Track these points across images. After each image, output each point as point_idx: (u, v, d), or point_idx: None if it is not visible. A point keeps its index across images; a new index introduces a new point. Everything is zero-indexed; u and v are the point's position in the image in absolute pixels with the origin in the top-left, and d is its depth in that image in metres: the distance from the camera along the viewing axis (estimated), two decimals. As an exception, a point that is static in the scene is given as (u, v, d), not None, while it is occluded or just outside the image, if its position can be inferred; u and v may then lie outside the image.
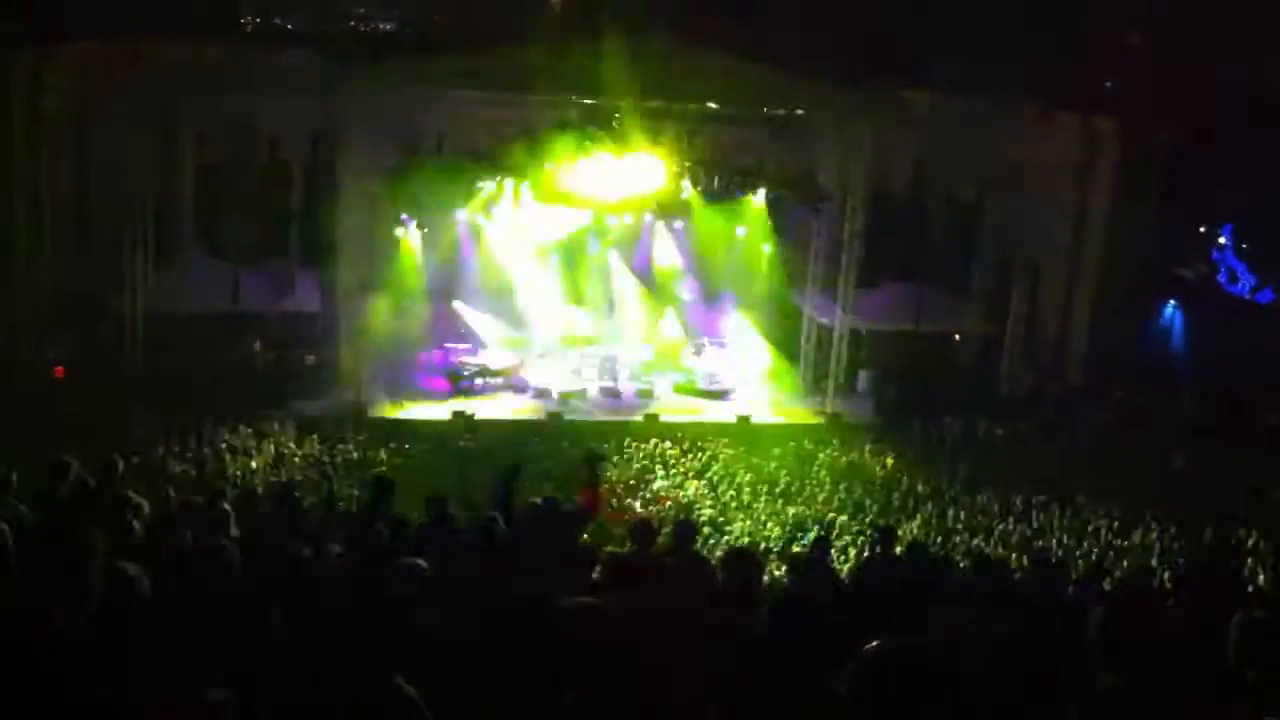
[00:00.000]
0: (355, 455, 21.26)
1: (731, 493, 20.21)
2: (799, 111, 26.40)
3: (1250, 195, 28.86)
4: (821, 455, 23.19)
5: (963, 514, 19.53)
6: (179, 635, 5.08)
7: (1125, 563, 16.74)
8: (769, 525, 18.41)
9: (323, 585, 6.79)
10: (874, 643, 3.56)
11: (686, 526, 9.85)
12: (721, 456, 22.61)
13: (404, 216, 26.45)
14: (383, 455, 21.44)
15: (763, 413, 26.47)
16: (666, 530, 17.80)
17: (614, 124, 25.05)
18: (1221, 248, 31.93)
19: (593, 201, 26.98)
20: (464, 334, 27.87)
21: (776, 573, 14.83)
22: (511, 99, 25.41)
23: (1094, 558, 16.77)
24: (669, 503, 19.67)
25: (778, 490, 20.47)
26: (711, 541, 16.48)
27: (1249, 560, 16.31)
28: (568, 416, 25.13)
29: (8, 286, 24.33)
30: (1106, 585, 10.59)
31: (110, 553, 6.28)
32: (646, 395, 27.01)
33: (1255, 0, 29.83)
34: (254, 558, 6.91)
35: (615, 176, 25.75)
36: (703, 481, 21.04)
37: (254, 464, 20.01)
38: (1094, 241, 28.39)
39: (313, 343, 26.36)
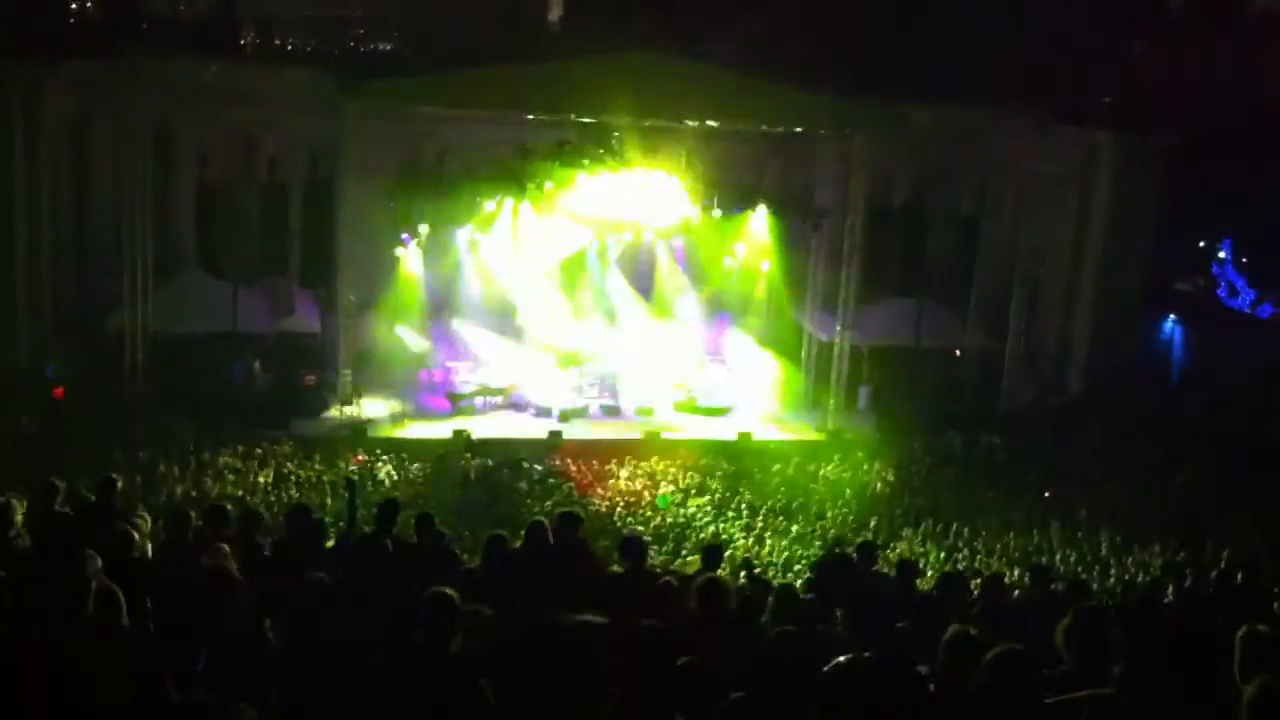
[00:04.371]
0: (355, 475, 21.16)
1: (733, 510, 20.15)
2: (798, 127, 26.42)
3: (1250, 209, 28.88)
4: (823, 472, 23.13)
5: (965, 529, 19.45)
6: (175, 649, 5.05)
7: (1127, 578, 16.69)
8: (770, 542, 18.33)
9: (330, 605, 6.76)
10: (843, 657, 3.56)
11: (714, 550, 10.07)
12: (721, 473, 22.55)
13: (404, 235, 26.44)
14: (383, 475, 21.39)
15: (764, 429, 26.42)
16: (667, 547, 17.79)
17: (613, 142, 25.07)
18: (1221, 262, 31.95)
19: (592, 219, 26.98)
20: (464, 352, 27.84)
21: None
22: (511, 118, 25.45)
23: (1096, 573, 16.71)
24: (669, 519, 19.59)
25: (779, 507, 20.40)
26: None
27: (1252, 574, 16.20)
28: (568, 435, 25.07)
29: (6, 306, 24.31)
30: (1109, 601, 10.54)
31: (108, 570, 6.27)
32: (647, 412, 26.97)
33: (1255, 11, 29.91)
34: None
35: (615, 194, 25.78)
36: (704, 498, 20.97)
37: (258, 482, 19.94)
38: (1094, 255, 28.37)
39: (312, 362, 26.33)
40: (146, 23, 27.38)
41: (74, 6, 29.01)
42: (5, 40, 23.30)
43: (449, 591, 5.48)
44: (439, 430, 24.66)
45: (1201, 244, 31.62)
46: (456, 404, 26.22)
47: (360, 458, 22.24)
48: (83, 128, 25.27)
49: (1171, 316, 31.14)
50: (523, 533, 9.89)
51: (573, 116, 24.95)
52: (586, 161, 25.09)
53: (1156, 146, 27.26)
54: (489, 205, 26.26)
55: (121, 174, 24.55)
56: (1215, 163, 27.37)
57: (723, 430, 26.10)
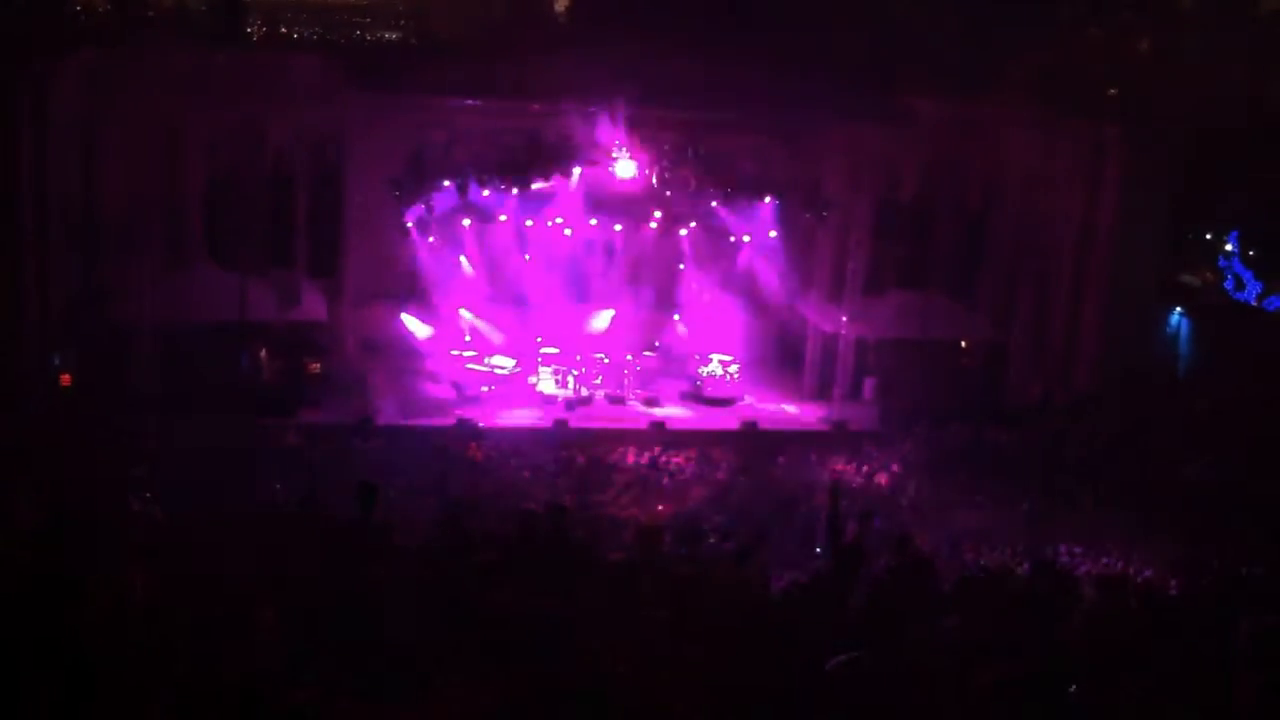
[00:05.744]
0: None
1: (736, 501, 20.20)
2: (805, 118, 26.38)
3: (1257, 201, 28.80)
4: (828, 463, 23.16)
5: (970, 522, 19.47)
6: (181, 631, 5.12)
7: (1132, 571, 16.71)
8: (772, 533, 18.34)
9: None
10: (843, 656, 3.58)
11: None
12: (726, 464, 22.60)
13: (410, 225, 26.45)
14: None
15: (768, 420, 26.43)
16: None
17: (619, 132, 25.08)
18: (1228, 255, 31.83)
19: (599, 208, 27.00)
20: (470, 342, 27.86)
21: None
22: (516, 107, 25.46)
23: (1102, 567, 16.73)
24: (674, 511, 19.64)
25: (782, 498, 20.43)
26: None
27: (1258, 569, 16.23)
28: (573, 424, 25.12)
29: (14, 295, 24.34)
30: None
31: (117, 559, 6.35)
32: (652, 403, 27.01)
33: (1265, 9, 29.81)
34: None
35: (621, 183, 25.79)
36: (707, 489, 21.03)
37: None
38: (1101, 248, 28.29)
39: (319, 352, 26.37)
40: (153, 13, 27.38)
41: (81, -4, 29.07)
42: (13, 33, 23.31)
43: None
44: (444, 419, 24.73)
45: (1208, 237, 31.51)
46: (462, 393, 26.25)
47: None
48: (90, 119, 25.25)
49: (1178, 310, 31.06)
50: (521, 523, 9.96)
51: (580, 106, 24.96)
52: (592, 151, 25.11)
53: (1163, 140, 27.19)
54: (496, 195, 26.27)
55: (129, 165, 24.56)
56: (1222, 155, 27.28)
57: (727, 420, 26.14)
